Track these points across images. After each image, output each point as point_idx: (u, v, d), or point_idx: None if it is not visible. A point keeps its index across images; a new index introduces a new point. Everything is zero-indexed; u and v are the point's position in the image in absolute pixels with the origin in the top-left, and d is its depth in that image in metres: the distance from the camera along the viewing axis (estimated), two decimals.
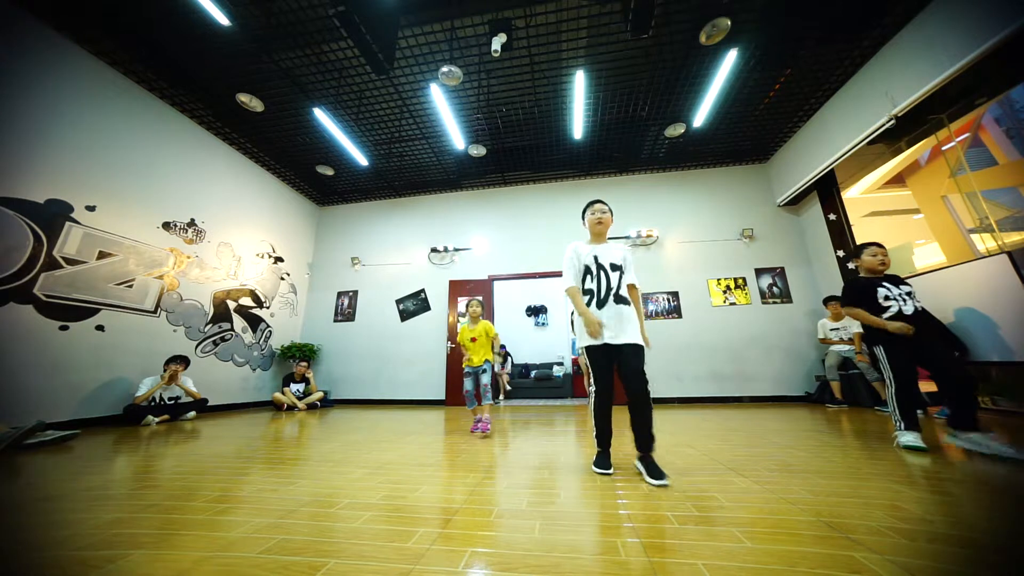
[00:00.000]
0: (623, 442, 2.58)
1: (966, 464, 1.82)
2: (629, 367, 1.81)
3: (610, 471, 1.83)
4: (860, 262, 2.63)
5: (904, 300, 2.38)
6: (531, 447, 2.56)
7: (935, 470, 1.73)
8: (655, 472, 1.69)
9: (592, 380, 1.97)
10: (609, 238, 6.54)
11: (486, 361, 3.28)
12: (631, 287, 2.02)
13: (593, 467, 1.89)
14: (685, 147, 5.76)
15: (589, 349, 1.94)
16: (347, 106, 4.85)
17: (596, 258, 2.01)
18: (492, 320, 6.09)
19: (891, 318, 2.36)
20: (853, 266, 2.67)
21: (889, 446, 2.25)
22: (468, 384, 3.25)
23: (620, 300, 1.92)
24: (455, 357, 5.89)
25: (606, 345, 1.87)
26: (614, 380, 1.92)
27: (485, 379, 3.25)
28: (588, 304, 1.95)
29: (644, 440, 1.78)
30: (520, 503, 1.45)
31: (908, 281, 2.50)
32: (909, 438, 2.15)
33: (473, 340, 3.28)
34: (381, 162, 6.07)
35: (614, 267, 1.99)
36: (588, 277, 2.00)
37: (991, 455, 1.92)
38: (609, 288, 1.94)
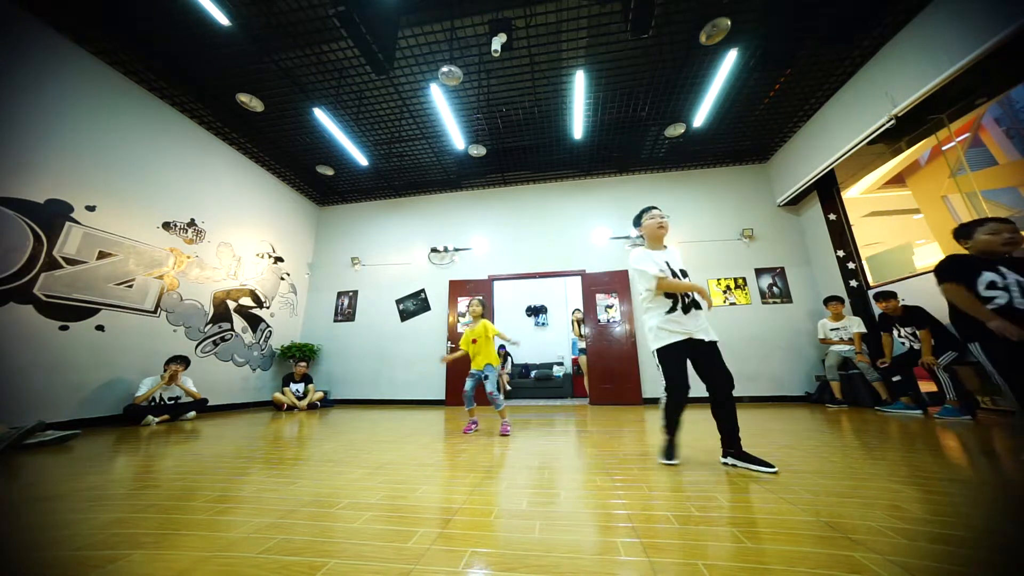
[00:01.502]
0: (623, 442, 2.58)
1: (965, 464, 1.82)
2: (717, 366, 1.90)
3: (675, 460, 1.94)
4: (972, 243, 2.08)
5: (1020, 290, 1.87)
6: (531, 447, 2.56)
7: (935, 470, 1.73)
8: (761, 462, 1.77)
9: (667, 378, 1.99)
10: (611, 238, 6.54)
11: (487, 366, 3.21)
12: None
13: (661, 459, 1.98)
14: (685, 147, 5.76)
15: (668, 348, 1.96)
16: (347, 106, 4.85)
17: (668, 264, 2.04)
18: (492, 320, 6.10)
19: (995, 311, 1.90)
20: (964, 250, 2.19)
21: (889, 446, 2.25)
22: (469, 384, 3.23)
23: (695, 304, 1.99)
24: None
25: (689, 339, 1.93)
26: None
27: (490, 386, 3.17)
28: (674, 309, 1.98)
29: (736, 436, 1.88)
30: (520, 503, 1.45)
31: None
32: None
33: (474, 341, 3.26)
34: (381, 162, 6.07)
35: (683, 273, 2.06)
36: None
37: None
38: (691, 296, 1.99)
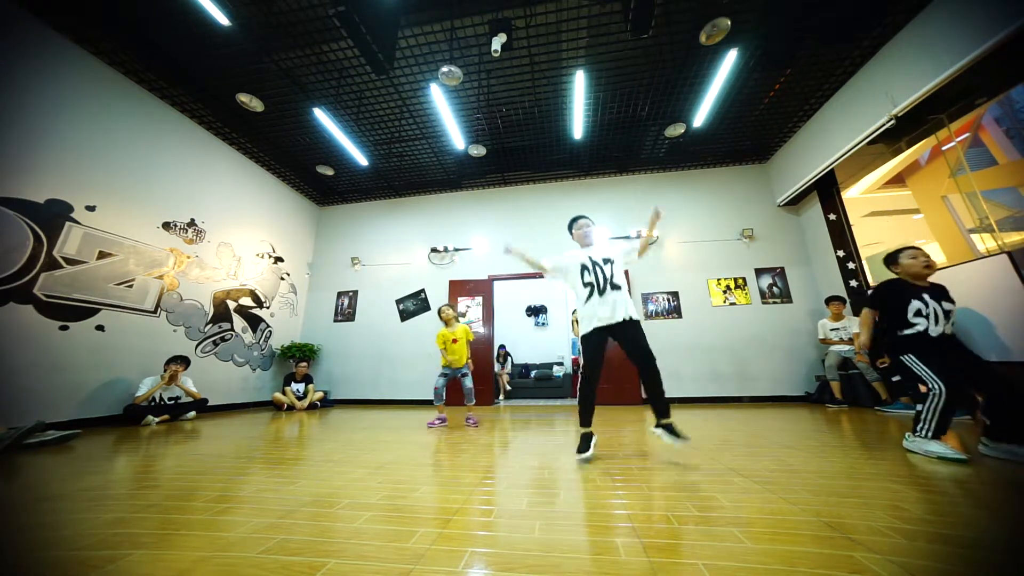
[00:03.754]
0: (623, 442, 2.58)
1: (965, 465, 1.82)
2: (637, 346, 2.12)
3: (589, 454, 2.09)
4: (899, 268, 2.31)
5: (937, 319, 2.09)
6: (531, 447, 2.56)
7: (935, 470, 1.73)
8: (677, 433, 2.02)
9: (584, 363, 2.25)
10: (611, 238, 6.55)
11: (466, 364, 3.64)
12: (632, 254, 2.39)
13: (577, 454, 2.13)
14: (685, 147, 5.76)
15: (585, 337, 2.24)
16: (347, 106, 4.85)
17: (590, 257, 2.31)
18: (492, 320, 6.10)
19: (911, 337, 2.13)
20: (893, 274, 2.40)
21: (889, 446, 2.25)
22: (441, 382, 3.58)
23: (615, 287, 2.22)
24: None
25: (600, 328, 2.18)
26: (601, 368, 2.24)
27: (468, 383, 3.63)
28: (590, 296, 2.24)
29: (662, 407, 2.09)
30: (520, 503, 1.45)
31: (952, 298, 2.20)
32: (942, 448, 1.93)
33: (454, 341, 3.59)
34: (381, 162, 6.07)
35: (606, 260, 2.29)
36: (586, 273, 2.29)
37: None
38: (606, 278, 2.23)
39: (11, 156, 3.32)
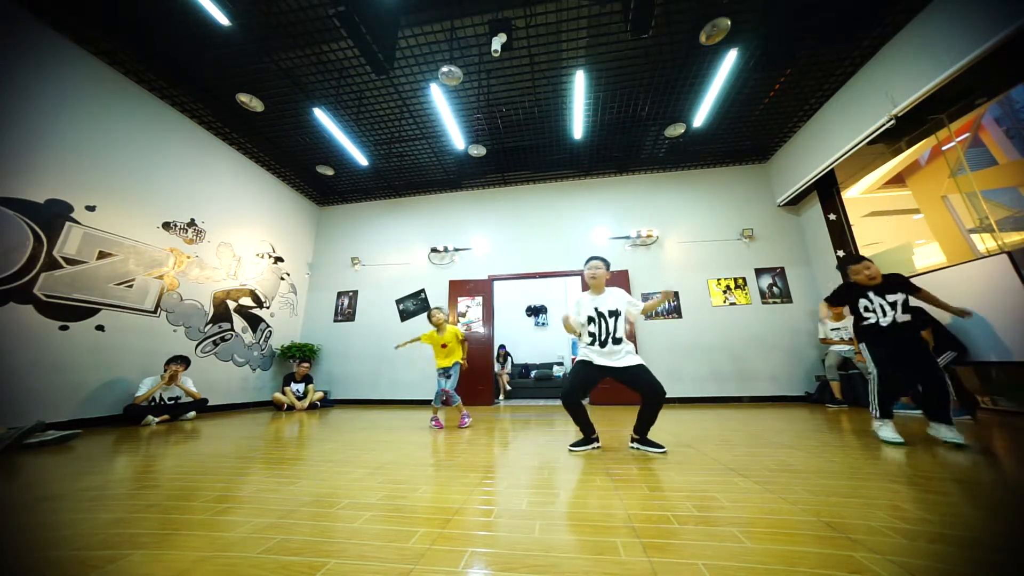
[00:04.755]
0: (622, 442, 2.58)
1: (966, 463, 1.82)
2: (647, 383, 2.22)
3: (589, 447, 2.34)
4: (852, 274, 2.69)
5: (884, 311, 2.45)
6: (531, 447, 2.56)
7: (935, 470, 1.73)
8: (654, 444, 2.24)
9: (569, 381, 2.41)
10: (611, 238, 6.54)
11: (455, 364, 3.65)
12: (633, 320, 2.50)
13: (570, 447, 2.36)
14: (685, 147, 5.76)
15: (581, 362, 2.38)
16: (347, 106, 4.85)
17: (596, 308, 2.39)
18: (492, 320, 6.10)
19: (866, 327, 2.52)
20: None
21: (889, 446, 2.25)
22: (442, 383, 3.61)
23: (617, 341, 2.33)
24: None
25: (599, 366, 2.32)
26: (586, 390, 2.39)
27: (450, 384, 3.59)
28: (591, 344, 2.37)
29: (646, 427, 2.28)
30: (520, 503, 1.45)
31: (904, 283, 2.48)
32: (887, 432, 2.36)
33: (444, 346, 3.61)
34: (381, 162, 6.07)
35: (612, 313, 2.36)
36: (592, 323, 2.38)
37: (948, 442, 2.18)
38: (608, 332, 2.34)
39: (11, 156, 3.32)
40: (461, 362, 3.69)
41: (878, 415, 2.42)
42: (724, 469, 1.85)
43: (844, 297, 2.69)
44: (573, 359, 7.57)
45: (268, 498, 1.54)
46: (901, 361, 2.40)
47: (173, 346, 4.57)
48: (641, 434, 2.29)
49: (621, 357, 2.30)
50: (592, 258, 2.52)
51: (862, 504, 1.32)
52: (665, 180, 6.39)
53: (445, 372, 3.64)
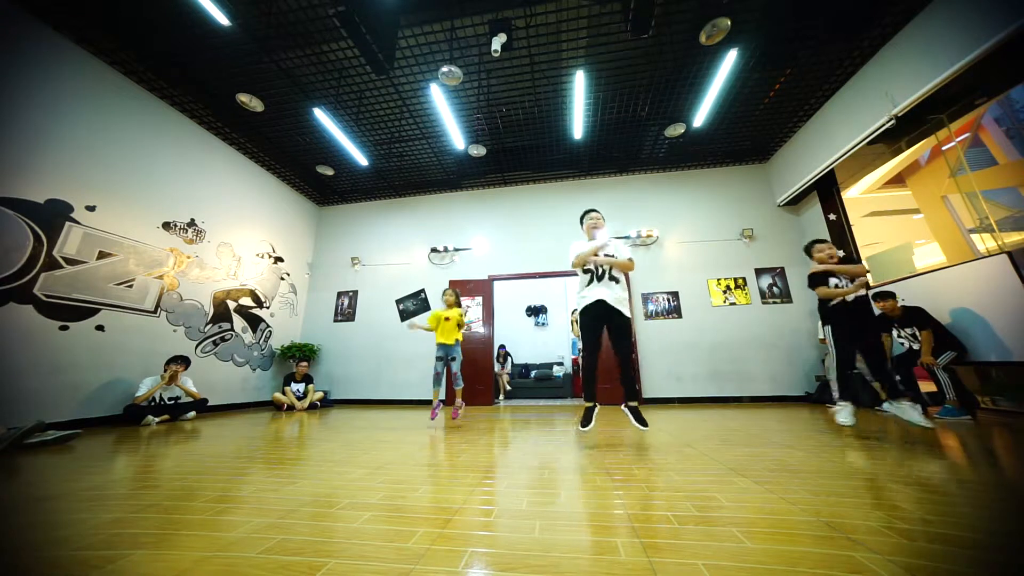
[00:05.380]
0: (623, 442, 2.58)
1: (965, 464, 1.82)
2: (622, 338, 2.50)
3: (591, 427, 2.51)
4: (815, 259, 2.99)
5: (848, 285, 2.75)
6: (531, 447, 2.56)
7: (935, 470, 1.73)
8: (641, 420, 2.45)
9: (583, 342, 2.59)
10: (612, 238, 6.55)
11: (457, 343, 3.72)
12: (624, 264, 2.61)
13: (580, 427, 2.51)
14: (685, 147, 5.76)
15: (584, 310, 2.55)
16: (347, 106, 4.85)
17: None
18: (492, 320, 6.10)
19: (834, 307, 2.76)
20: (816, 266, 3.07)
21: (890, 446, 2.25)
22: (440, 366, 3.69)
23: (613, 279, 2.57)
24: None
25: (599, 303, 2.49)
26: (600, 344, 2.56)
27: (455, 366, 3.70)
28: (590, 281, 2.58)
29: (631, 392, 2.52)
30: (520, 503, 1.45)
31: (848, 258, 2.88)
32: (844, 416, 2.59)
33: (447, 319, 3.71)
34: (381, 162, 6.07)
35: (607, 256, 2.59)
36: (592, 265, 2.60)
37: (907, 422, 2.33)
38: (605, 270, 2.58)
39: (11, 156, 3.32)
40: (460, 339, 3.80)
41: (838, 396, 2.59)
42: (724, 469, 1.85)
43: (823, 278, 2.91)
44: (574, 359, 7.62)
45: (268, 498, 1.54)
46: (857, 337, 2.67)
47: (173, 346, 4.57)
48: (627, 398, 2.53)
49: (617, 295, 2.51)
50: (591, 210, 2.83)
51: (862, 504, 1.32)
52: (665, 180, 6.39)
53: (448, 353, 3.71)
